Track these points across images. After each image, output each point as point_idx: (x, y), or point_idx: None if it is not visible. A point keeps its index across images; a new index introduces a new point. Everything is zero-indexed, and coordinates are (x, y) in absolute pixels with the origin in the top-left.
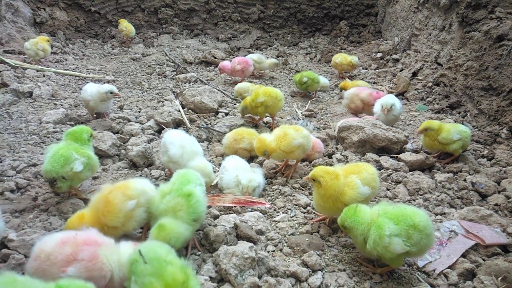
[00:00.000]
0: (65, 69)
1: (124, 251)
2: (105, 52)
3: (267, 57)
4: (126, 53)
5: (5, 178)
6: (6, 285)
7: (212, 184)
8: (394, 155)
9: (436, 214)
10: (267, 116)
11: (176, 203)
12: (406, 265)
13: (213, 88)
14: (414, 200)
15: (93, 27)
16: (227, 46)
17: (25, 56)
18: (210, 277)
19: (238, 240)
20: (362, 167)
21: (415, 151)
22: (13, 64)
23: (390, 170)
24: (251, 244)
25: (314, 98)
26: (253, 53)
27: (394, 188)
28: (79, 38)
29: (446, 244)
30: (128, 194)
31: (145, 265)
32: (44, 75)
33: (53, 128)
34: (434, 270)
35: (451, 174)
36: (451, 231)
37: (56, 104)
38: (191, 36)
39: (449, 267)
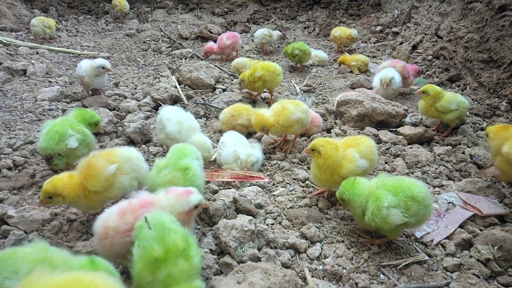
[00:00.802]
0: (59, 46)
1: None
2: (99, 29)
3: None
4: (120, 29)
5: (2, 156)
6: (40, 251)
7: (211, 159)
8: (393, 129)
9: (434, 187)
10: (265, 92)
11: (172, 176)
12: (404, 236)
13: (210, 64)
14: (412, 173)
15: (86, 2)
16: (224, 21)
17: (18, 33)
18: (210, 250)
19: (238, 214)
20: (360, 140)
21: (414, 125)
22: (5, 42)
23: (388, 143)
24: (251, 217)
25: (300, 70)
26: (250, 27)
27: (392, 162)
28: (72, 15)
29: (444, 215)
30: (111, 159)
31: (149, 231)
32: (37, 53)
33: (49, 105)
34: (431, 241)
35: (449, 147)
36: (449, 202)
37: (50, 82)
38: (186, 11)
39: (447, 238)
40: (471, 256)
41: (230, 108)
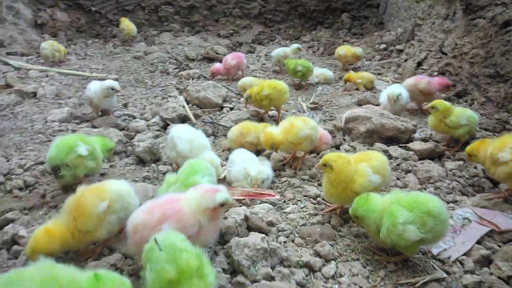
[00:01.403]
0: (68, 69)
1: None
2: (107, 52)
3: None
4: (128, 51)
5: (13, 176)
6: (45, 270)
7: (220, 177)
8: (402, 145)
9: (448, 202)
10: (272, 110)
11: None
12: (420, 253)
13: (217, 83)
14: (425, 189)
15: (94, 27)
16: (229, 42)
17: (28, 57)
18: (223, 269)
19: (249, 231)
20: (372, 155)
21: (424, 140)
22: (17, 66)
23: (399, 159)
24: (263, 235)
25: (305, 88)
26: (255, 47)
27: (404, 177)
28: (81, 39)
29: (460, 231)
30: (101, 196)
31: (160, 252)
32: (47, 76)
33: (59, 126)
34: (449, 257)
35: (461, 162)
36: (464, 218)
37: (60, 104)
38: (192, 33)
39: (465, 254)
40: (491, 273)
41: (239, 126)
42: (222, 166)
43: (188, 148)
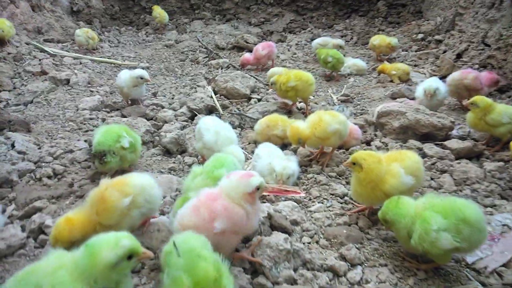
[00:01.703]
0: (101, 57)
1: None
2: (140, 40)
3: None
4: (160, 40)
5: (43, 164)
6: (56, 260)
7: None
8: (438, 142)
9: (486, 206)
10: (300, 102)
11: (205, 184)
12: (453, 261)
13: (246, 73)
14: (461, 191)
15: (128, 14)
16: (260, 31)
17: (63, 44)
18: (244, 268)
19: (272, 230)
20: (405, 154)
21: (462, 138)
22: (52, 52)
23: (434, 158)
24: (286, 235)
25: (337, 80)
26: (286, 36)
27: (439, 178)
28: (114, 26)
29: (499, 239)
30: (125, 191)
31: (178, 258)
32: (81, 63)
33: (89, 115)
34: (485, 268)
35: (501, 163)
36: (503, 225)
37: (92, 91)
38: (223, 21)
39: (503, 265)
40: None
41: (266, 119)
42: (247, 159)
43: (214, 140)
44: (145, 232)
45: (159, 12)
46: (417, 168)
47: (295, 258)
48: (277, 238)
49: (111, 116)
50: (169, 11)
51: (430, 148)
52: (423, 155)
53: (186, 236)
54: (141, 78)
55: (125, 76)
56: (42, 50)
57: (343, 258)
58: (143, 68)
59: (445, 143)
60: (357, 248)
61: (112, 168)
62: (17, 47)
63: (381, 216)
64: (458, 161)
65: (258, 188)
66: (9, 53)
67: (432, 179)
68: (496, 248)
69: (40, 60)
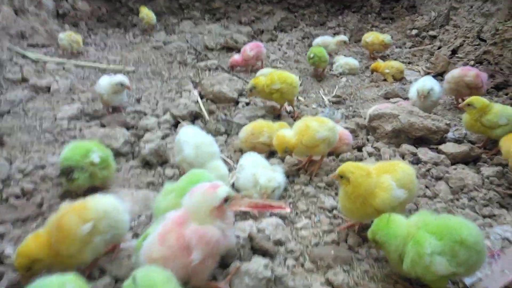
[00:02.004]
0: (85, 61)
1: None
2: (127, 42)
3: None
4: (148, 41)
5: (12, 182)
6: None
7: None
8: (433, 146)
9: (485, 217)
10: (289, 105)
11: (177, 203)
12: (450, 282)
13: (233, 75)
14: (457, 200)
15: (115, 16)
16: (250, 30)
17: (48, 48)
18: None
19: (254, 253)
20: (397, 165)
21: (458, 141)
22: (34, 58)
23: (429, 164)
24: (267, 260)
25: (320, 76)
26: (277, 35)
27: (434, 186)
28: (101, 28)
29: (499, 255)
30: (85, 216)
31: None
32: (64, 68)
33: (67, 125)
34: None
35: (499, 168)
36: (503, 238)
37: (73, 99)
38: (213, 21)
39: (505, 287)
40: None
41: (250, 126)
42: (232, 170)
43: (194, 154)
44: (114, 259)
45: (146, 13)
46: (410, 180)
47: (278, 285)
48: (257, 264)
49: (90, 126)
50: (157, 11)
51: (424, 153)
52: (417, 161)
53: (148, 270)
54: (121, 85)
55: (104, 82)
56: (24, 56)
57: (329, 284)
58: (127, 72)
59: (441, 147)
60: (345, 271)
61: (82, 186)
62: None
63: (370, 236)
64: (454, 166)
65: (226, 200)
66: None
67: (427, 187)
68: (496, 266)
69: (21, 66)
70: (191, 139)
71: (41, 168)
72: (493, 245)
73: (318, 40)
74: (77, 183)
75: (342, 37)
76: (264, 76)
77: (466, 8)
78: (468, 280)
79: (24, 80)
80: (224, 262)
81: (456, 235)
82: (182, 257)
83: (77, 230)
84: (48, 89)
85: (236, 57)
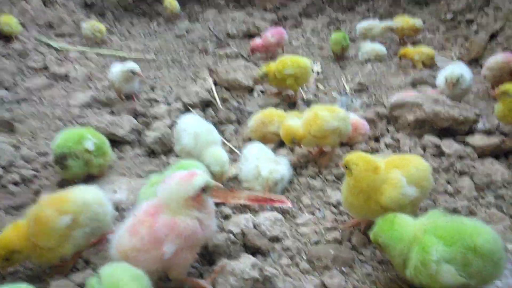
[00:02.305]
0: (106, 50)
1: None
2: (151, 31)
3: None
4: (171, 30)
5: (13, 168)
6: None
7: (231, 176)
8: (460, 139)
9: None
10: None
11: None
12: None
13: (250, 63)
14: (482, 198)
15: (141, 5)
16: (275, 17)
17: (72, 38)
18: None
19: (246, 251)
20: (409, 160)
21: (488, 132)
22: (57, 47)
23: (453, 157)
24: (255, 259)
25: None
26: (301, 22)
27: (457, 182)
28: (127, 18)
29: None
30: (63, 208)
31: None
32: (86, 57)
33: (79, 112)
34: None
35: None
36: None
37: (90, 87)
38: (237, 8)
39: None
40: None
41: (261, 114)
42: (237, 161)
43: (193, 143)
44: (100, 251)
45: (169, 1)
46: (423, 177)
47: (266, 287)
48: (244, 263)
49: (101, 114)
50: (182, 0)
51: (449, 146)
52: (440, 154)
53: (115, 268)
54: (132, 72)
55: (116, 70)
56: (49, 45)
57: (324, 287)
58: (148, 61)
59: (468, 139)
60: (344, 273)
61: (77, 174)
62: (25, 43)
63: (373, 238)
64: (481, 160)
65: (204, 189)
66: (14, 50)
67: (448, 182)
68: None
69: (44, 55)
70: (190, 128)
71: (44, 155)
72: None
73: (364, 24)
74: (72, 171)
75: (389, 23)
76: None
77: None
78: None
79: (45, 68)
80: (212, 259)
81: (469, 241)
82: (153, 250)
83: (54, 223)
84: (66, 77)
85: (257, 41)
